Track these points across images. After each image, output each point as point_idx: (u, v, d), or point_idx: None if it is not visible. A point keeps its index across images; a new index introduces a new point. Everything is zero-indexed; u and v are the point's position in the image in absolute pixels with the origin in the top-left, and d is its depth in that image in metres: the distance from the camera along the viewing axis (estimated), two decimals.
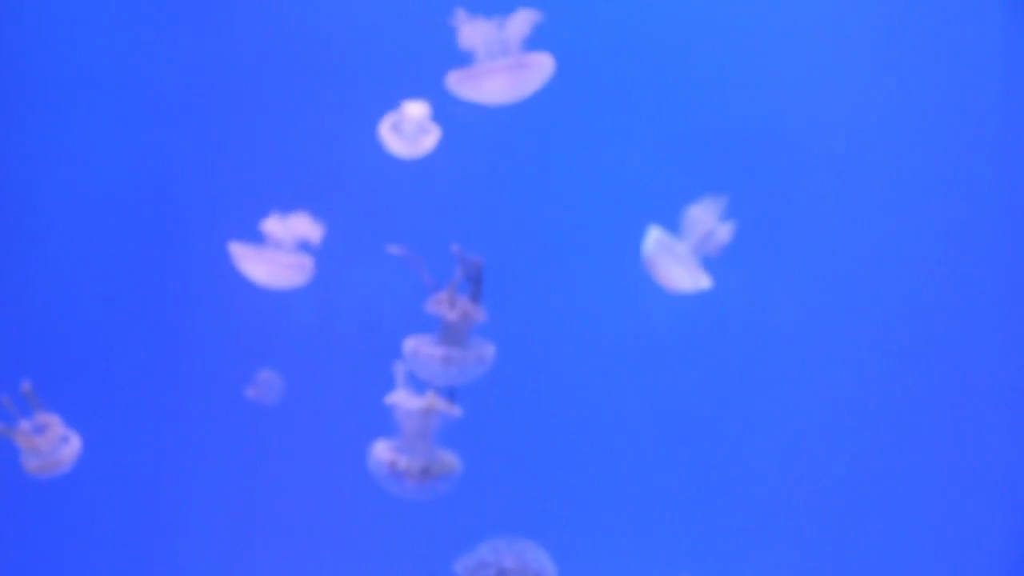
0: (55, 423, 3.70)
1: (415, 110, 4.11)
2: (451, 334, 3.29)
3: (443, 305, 3.29)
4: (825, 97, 5.05)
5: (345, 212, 4.72)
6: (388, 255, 3.44)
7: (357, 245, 4.60)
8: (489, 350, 3.37)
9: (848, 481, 5.12)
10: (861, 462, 5.12)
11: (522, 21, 3.67)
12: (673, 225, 3.91)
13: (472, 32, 3.68)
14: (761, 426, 5.14)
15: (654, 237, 3.99)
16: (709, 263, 3.88)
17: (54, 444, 3.72)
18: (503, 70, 3.65)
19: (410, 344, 3.31)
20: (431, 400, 3.35)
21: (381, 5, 4.96)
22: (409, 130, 4.15)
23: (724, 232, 3.96)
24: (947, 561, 5.14)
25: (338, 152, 4.91)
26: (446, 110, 4.12)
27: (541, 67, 3.70)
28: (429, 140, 4.18)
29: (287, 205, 4.00)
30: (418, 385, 3.41)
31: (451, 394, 3.37)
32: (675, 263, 3.98)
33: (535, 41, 3.70)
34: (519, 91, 3.77)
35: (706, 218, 4.02)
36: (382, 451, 3.37)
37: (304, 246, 4.01)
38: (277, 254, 3.96)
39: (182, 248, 4.95)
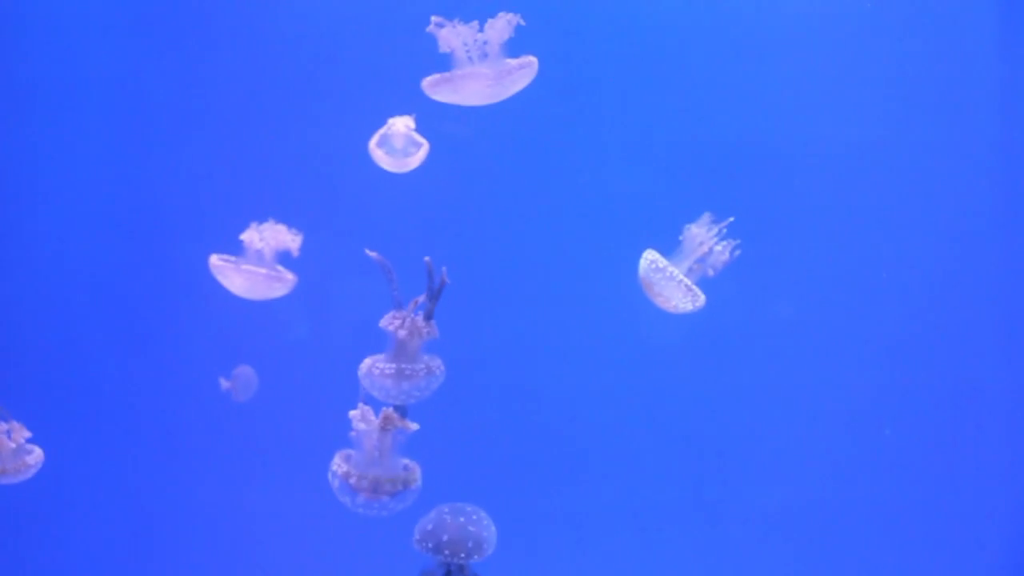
0: (19, 428, 3.67)
1: (402, 125, 4.05)
2: (402, 350, 3.21)
3: (396, 322, 3.19)
4: (821, 108, 4.91)
5: (334, 224, 4.72)
6: (377, 270, 3.35)
7: (346, 257, 4.50)
8: (437, 364, 3.24)
9: (846, 493, 5.02)
10: (860, 475, 5.01)
11: (502, 24, 3.57)
12: (667, 235, 3.78)
13: (451, 35, 3.59)
14: (759, 439, 5.02)
15: (648, 259, 3.84)
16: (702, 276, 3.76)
17: (20, 448, 3.68)
18: (478, 76, 3.55)
19: (364, 363, 3.22)
20: (386, 418, 3.23)
21: (368, 18, 4.92)
22: (398, 145, 4.10)
23: (723, 251, 3.80)
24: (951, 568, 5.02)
25: (328, 165, 4.88)
26: (437, 123, 4.08)
27: (521, 71, 3.58)
28: (418, 155, 4.11)
29: (277, 218, 3.96)
30: (376, 403, 3.32)
31: (403, 410, 3.25)
32: (671, 285, 3.80)
33: (524, 43, 3.61)
34: (499, 94, 3.66)
35: (704, 237, 3.86)
36: (336, 465, 3.24)
37: (285, 257, 3.95)
38: (254, 265, 3.89)
39: (168, 260, 4.92)
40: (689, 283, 3.76)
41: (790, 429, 5.03)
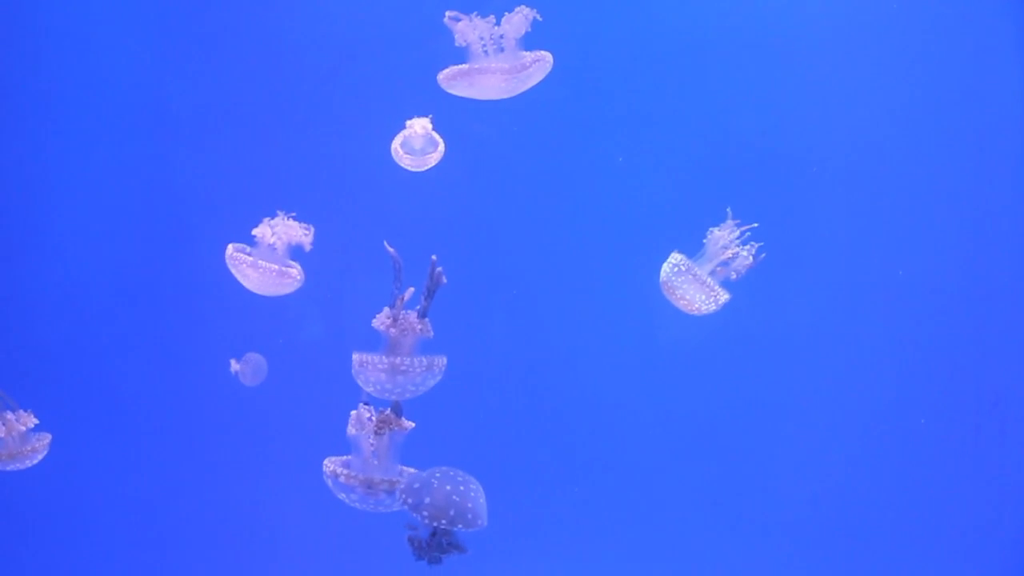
0: (25, 415, 3.69)
1: (420, 126, 4.04)
2: (396, 348, 3.17)
3: (388, 321, 3.15)
4: (845, 113, 4.79)
5: (351, 223, 4.67)
6: (389, 266, 3.31)
7: (361, 256, 4.48)
8: (439, 362, 3.17)
9: (865, 494, 4.92)
10: (879, 476, 4.90)
11: (519, 19, 3.51)
12: (687, 236, 3.70)
13: (467, 29, 3.54)
14: (778, 440, 4.94)
15: (671, 263, 3.77)
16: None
17: (27, 434, 3.70)
18: (494, 70, 3.49)
19: (356, 358, 3.16)
20: (380, 421, 3.21)
21: (385, 12, 4.86)
22: (417, 145, 4.09)
23: (747, 256, 3.72)
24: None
25: (348, 162, 4.82)
26: (457, 119, 4.05)
27: (536, 66, 3.52)
28: (435, 154, 4.10)
29: (296, 217, 3.95)
30: (378, 403, 3.28)
31: (398, 409, 3.18)
32: (694, 288, 3.72)
33: (541, 39, 3.54)
34: (515, 89, 3.60)
35: (727, 240, 3.76)
36: (329, 463, 3.25)
37: (298, 252, 3.92)
38: (268, 261, 3.87)
39: (186, 259, 4.86)
40: (712, 285, 3.70)
41: (809, 430, 4.95)
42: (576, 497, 5.03)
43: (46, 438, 3.75)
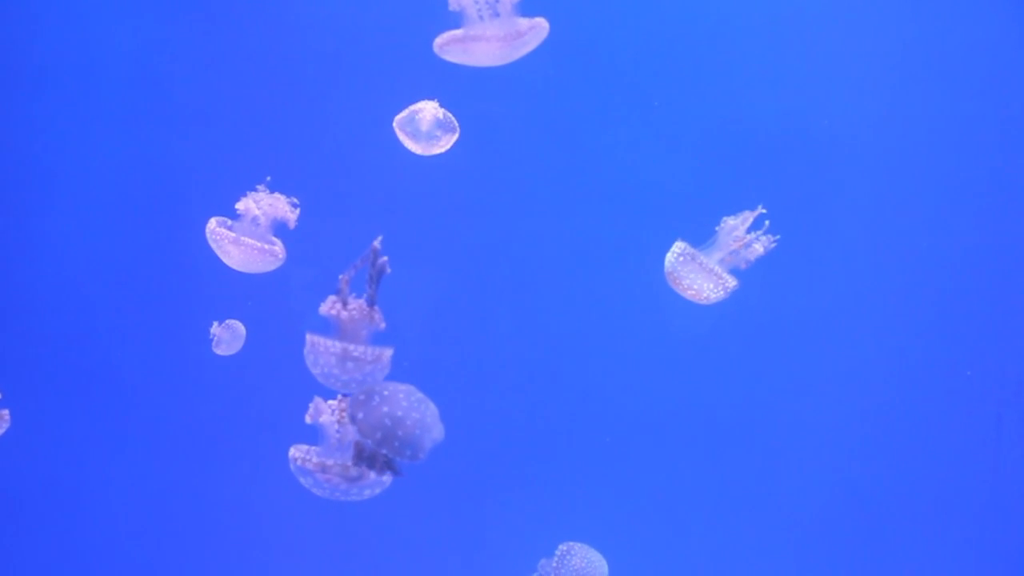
0: None
1: (430, 110, 3.92)
2: (347, 336, 2.98)
3: (338, 306, 2.95)
4: (856, 100, 4.65)
5: (349, 203, 4.58)
6: (399, 252, 3.11)
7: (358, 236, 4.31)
8: (387, 353, 2.98)
9: (879, 485, 4.87)
10: (890, 466, 4.85)
11: None
12: (695, 224, 3.56)
13: None
14: (786, 431, 4.87)
15: (676, 251, 3.65)
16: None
17: None
18: (489, 37, 3.25)
19: (308, 340, 2.94)
20: (343, 410, 3.02)
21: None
22: (423, 128, 3.95)
23: (761, 247, 3.57)
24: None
25: (354, 149, 4.70)
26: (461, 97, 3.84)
27: (532, 32, 3.25)
28: (444, 140, 3.96)
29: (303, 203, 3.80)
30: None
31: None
32: (701, 276, 3.62)
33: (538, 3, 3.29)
34: (510, 56, 3.36)
35: (741, 230, 3.64)
36: (295, 450, 3.08)
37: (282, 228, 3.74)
38: (251, 238, 3.68)
39: (179, 235, 4.74)
40: (720, 273, 3.59)
41: (824, 419, 4.85)
42: (585, 489, 4.93)
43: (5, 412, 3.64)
